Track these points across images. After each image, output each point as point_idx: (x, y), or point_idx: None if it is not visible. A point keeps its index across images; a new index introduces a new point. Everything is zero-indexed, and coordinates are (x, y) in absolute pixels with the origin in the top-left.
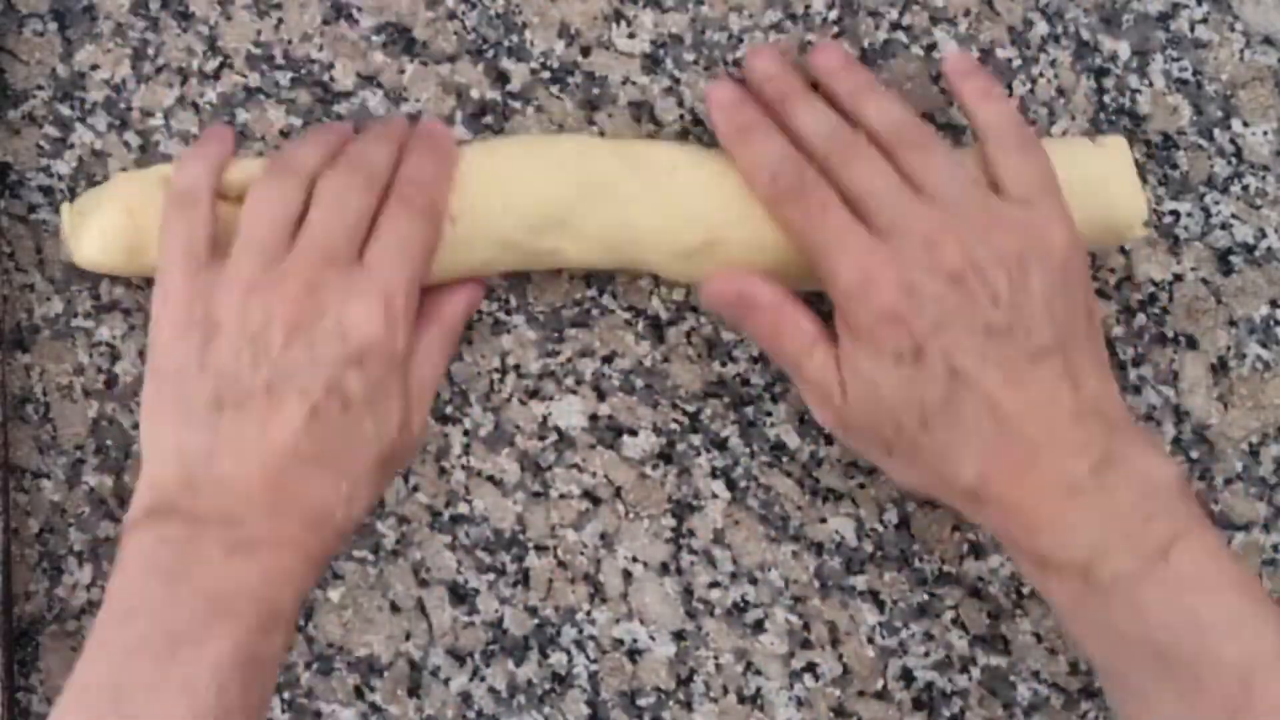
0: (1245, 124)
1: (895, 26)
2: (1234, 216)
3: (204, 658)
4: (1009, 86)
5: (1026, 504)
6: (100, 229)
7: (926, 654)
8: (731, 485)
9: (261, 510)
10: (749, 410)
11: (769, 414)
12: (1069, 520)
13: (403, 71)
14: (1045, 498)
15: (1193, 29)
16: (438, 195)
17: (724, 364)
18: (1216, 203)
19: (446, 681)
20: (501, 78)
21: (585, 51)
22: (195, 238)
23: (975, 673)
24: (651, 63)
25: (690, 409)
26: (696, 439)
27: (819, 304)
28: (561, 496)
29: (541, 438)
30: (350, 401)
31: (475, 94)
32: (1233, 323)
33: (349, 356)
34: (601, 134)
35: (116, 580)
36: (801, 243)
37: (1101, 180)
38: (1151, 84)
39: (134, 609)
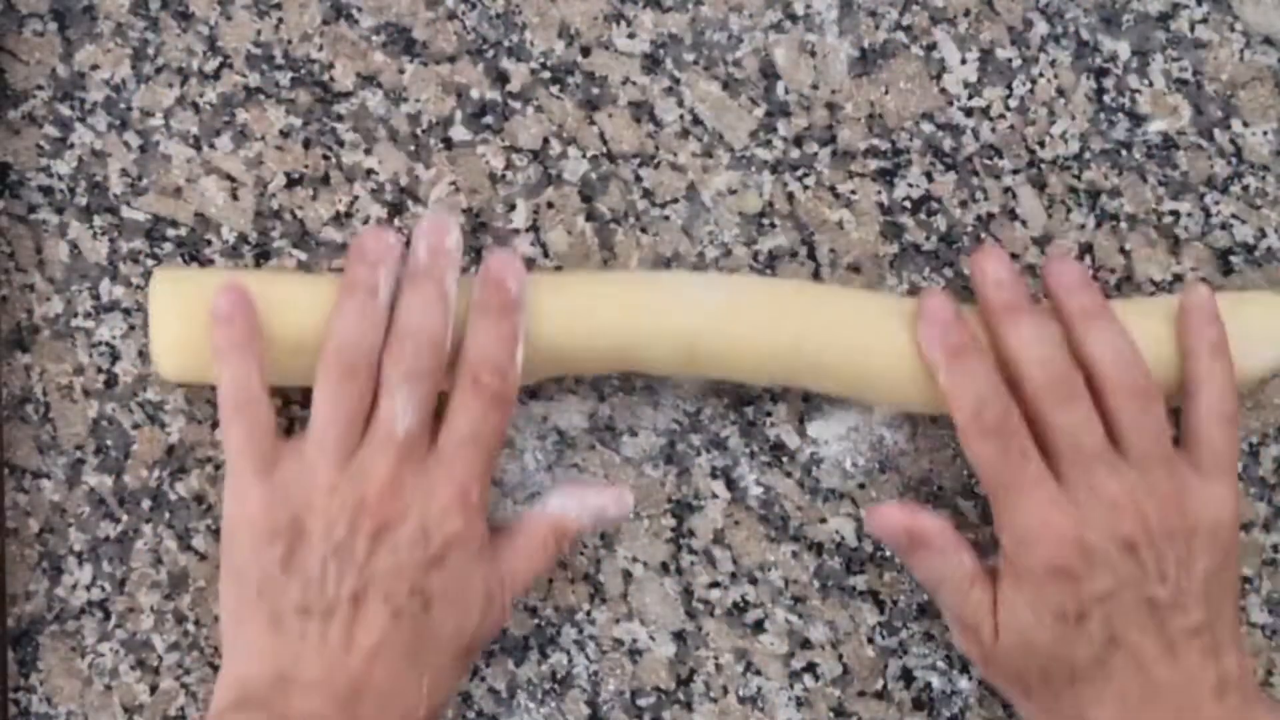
0: (1245, 124)
1: (895, 26)
2: (1234, 216)
3: None
4: (1009, 87)
5: None
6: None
7: (926, 654)
8: (731, 485)
9: (348, 713)
10: (749, 410)
11: (769, 414)
12: None
13: (403, 71)
14: None
15: (1193, 29)
16: (510, 370)
17: None
18: (1216, 203)
19: None
20: (501, 78)
21: (585, 51)
22: (260, 437)
23: (975, 673)
24: (651, 63)
25: (690, 409)
26: (696, 439)
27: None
28: None
29: (541, 438)
30: (431, 600)
31: (475, 94)
32: None
33: (431, 559)
34: (602, 135)
35: None
36: (987, 477)
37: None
38: (1151, 84)
39: None
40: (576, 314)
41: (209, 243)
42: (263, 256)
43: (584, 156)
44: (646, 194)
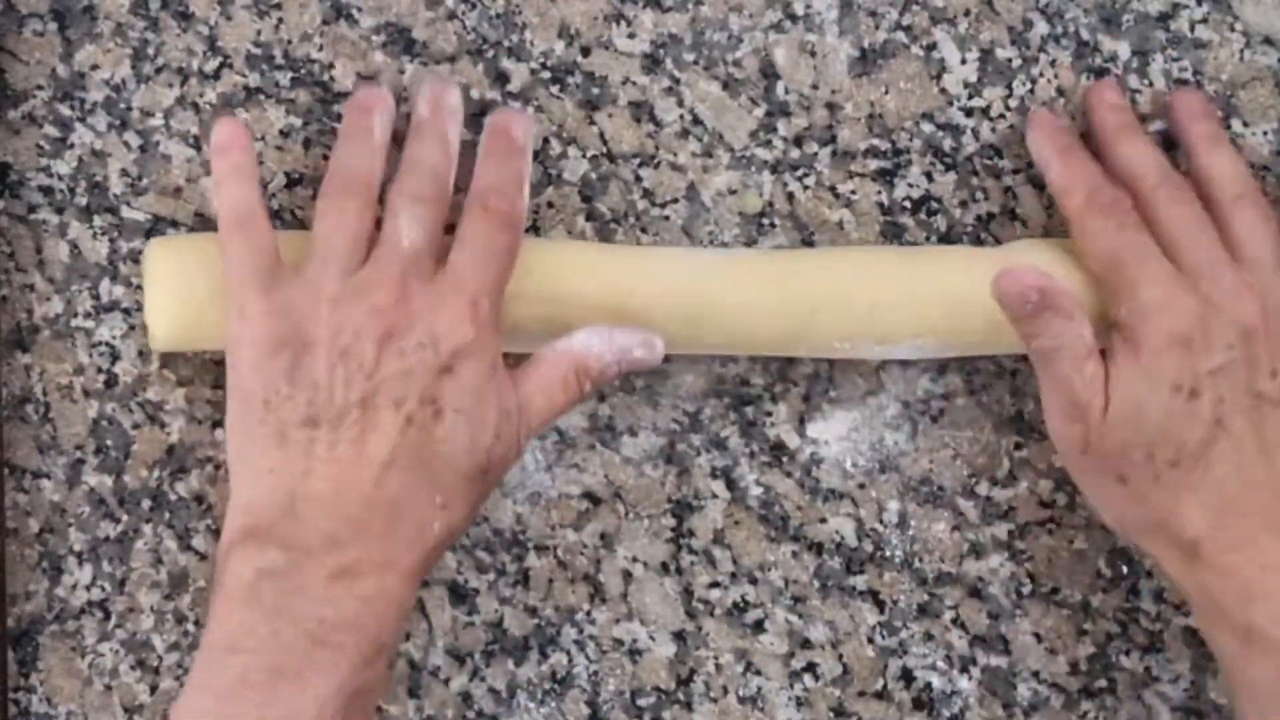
0: (1245, 124)
1: (895, 26)
2: None
3: (307, 693)
4: (1009, 87)
5: (1246, 572)
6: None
7: (926, 654)
8: (731, 485)
9: (360, 529)
10: (749, 410)
11: (769, 414)
12: None
13: (403, 71)
14: (1269, 570)
15: (1193, 29)
16: (518, 201)
17: (724, 364)
18: None
19: (446, 681)
20: (501, 78)
21: (585, 51)
22: (262, 253)
23: (975, 673)
24: (651, 63)
25: (690, 409)
26: (696, 439)
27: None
28: (561, 496)
29: (541, 437)
30: (443, 410)
31: (475, 94)
32: None
33: (441, 365)
34: (602, 135)
35: (217, 610)
36: (1105, 255)
37: None
38: (1151, 84)
39: (235, 645)
40: (575, 272)
41: None
42: None
43: (584, 156)
44: (646, 194)
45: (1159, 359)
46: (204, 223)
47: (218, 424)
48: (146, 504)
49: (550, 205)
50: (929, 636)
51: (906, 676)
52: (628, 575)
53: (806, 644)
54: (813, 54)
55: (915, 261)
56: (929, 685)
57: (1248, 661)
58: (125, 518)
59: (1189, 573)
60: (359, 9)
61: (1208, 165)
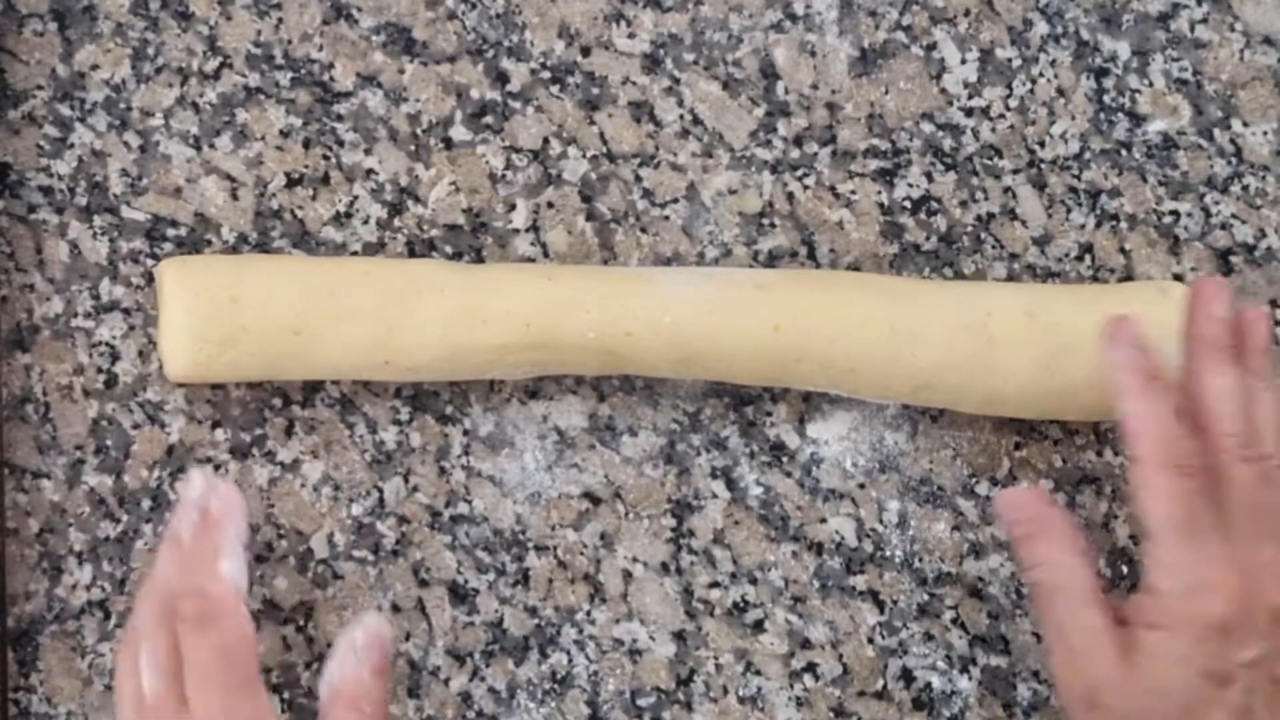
0: (1245, 124)
1: (895, 26)
2: (1234, 216)
3: None
4: (1009, 87)
5: None
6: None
7: (926, 654)
8: (731, 485)
9: None
10: (749, 410)
11: (769, 414)
12: None
13: (403, 71)
14: None
15: (1193, 29)
16: (209, 590)
17: None
18: (1216, 203)
19: (446, 681)
20: (501, 78)
21: (585, 51)
22: None
23: (975, 673)
24: (651, 63)
25: (690, 409)
26: (696, 439)
27: None
28: (561, 496)
29: (541, 437)
30: None
31: (475, 94)
32: None
33: None
34: (602, 135)
35: None
36: (1163, 515)
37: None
38: (1151, 84)
39: None
40: (571, 320)
41: (209, 243)
42: None
43: (584, 156)
44: (646, 194)
45: (1194, 644)
46: (204, 223)
47: (218, 424)
48: (146, 504)
49: (550, 205)
50: (929, 636)
51: (906, 676)
52: (628, 575)
53: (806, 644)
54: (813, 54)
55: (905, 320)
56: (929, 685)
57: None
58: (125, 518)
59: None
60: (359, 9)
61: (1256, 411)
